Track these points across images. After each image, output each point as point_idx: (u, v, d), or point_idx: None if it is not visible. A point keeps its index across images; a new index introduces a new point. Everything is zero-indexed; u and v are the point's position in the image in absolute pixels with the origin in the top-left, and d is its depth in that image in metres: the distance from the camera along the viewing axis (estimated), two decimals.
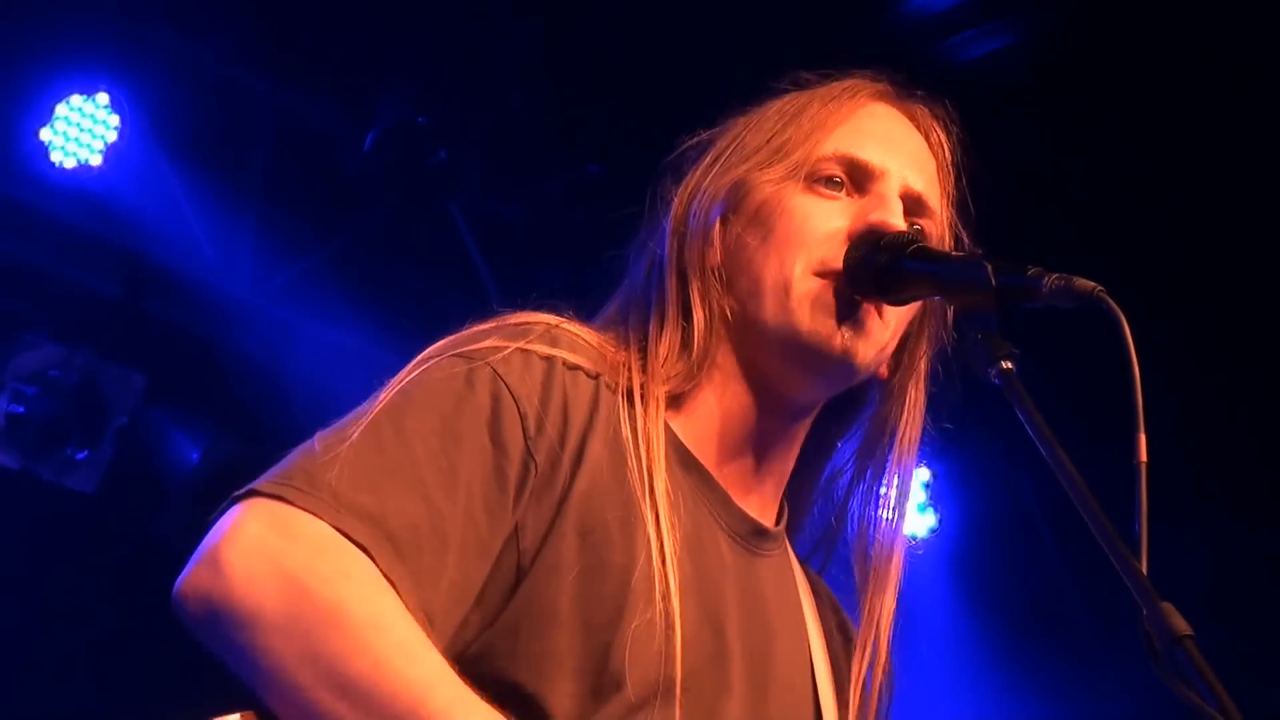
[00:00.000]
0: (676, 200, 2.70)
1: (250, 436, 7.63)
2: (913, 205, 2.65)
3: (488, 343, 2.44)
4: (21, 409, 7.12)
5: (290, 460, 2.30)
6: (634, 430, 2.46)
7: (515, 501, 2.36)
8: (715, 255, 2.63)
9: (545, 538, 2.36)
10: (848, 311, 2.54)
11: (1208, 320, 6.89)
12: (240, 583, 2.17)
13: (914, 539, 7.59)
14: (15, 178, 6.83)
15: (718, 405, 2.62)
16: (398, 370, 2.47)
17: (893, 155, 2.67)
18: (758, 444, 2.64)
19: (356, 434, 2.31)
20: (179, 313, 7.38)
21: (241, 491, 2.26)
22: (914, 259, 2.50)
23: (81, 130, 6.79)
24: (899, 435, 2.75)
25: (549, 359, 2.45)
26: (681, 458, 2.55)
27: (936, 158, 2.76)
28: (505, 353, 2.42)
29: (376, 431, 2.32)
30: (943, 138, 2.78)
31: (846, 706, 2.73)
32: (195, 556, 2.25)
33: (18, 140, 6.79)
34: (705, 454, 2.60)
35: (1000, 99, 6.48)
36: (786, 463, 2.71)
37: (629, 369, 2.54)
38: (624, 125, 6.48)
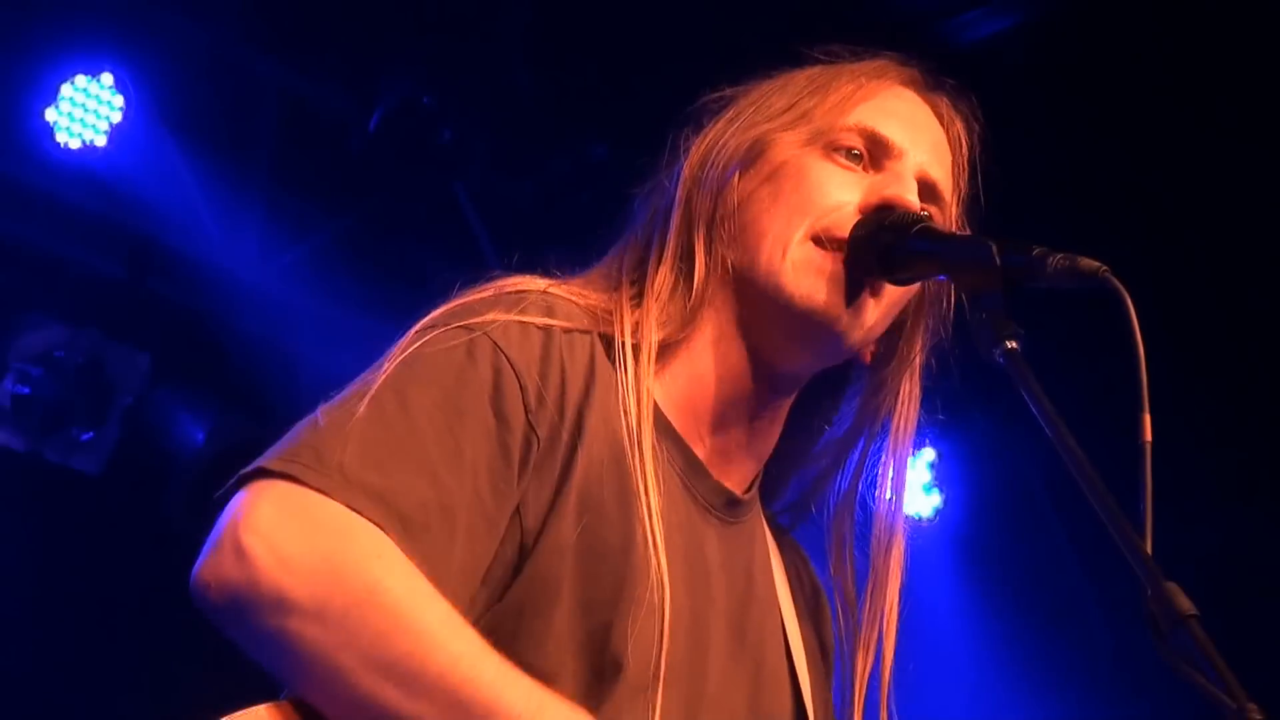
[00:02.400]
0: (694, 149, 2.69)
1: (256, 417, 7.63)
2: (926, 191, 2.65)
3: (487, 314, 2.42)
4: (27, 390, 7.12)
5: (295, 436, 2.28)
6: (624, 395, 2.45)
7: (519, 476, 2.35)
8: (726, 205, 2.62)
9: (546, 516, 2.36)
10: (842, 284, 2.54)
11: (1213, 299, 6.88)
12: (266, 568, 2.13)
13: (919, 518, 7.62)
14: (20, 158, 6.83)
15: (704, 366, 2.61)
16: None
17: (914, 138, 2.67)
18: (740, 415, 2.63)
19: (361, 408, 2.28)
20: (184, 293, 7.38)
21: (249, 470, 2.23)
22: (919, 237, 2.50)
23: (86, 111, 6.79)
24: (894, 428, 2.75)
25: (546, 328, 2.44)
26: (660, 425, 2.54)
27: (954, 152, 2.76)
28: (504, 323, 2.41)
29: (380, 406, 2.30)
30: (963, 133, 2.79)
31: (818, 669, 2.77)
32: (212, 541, 2.20)
33: (23, 120, 6.78)
34: (685, 423, 2.60)
35: (1003, 80, 6.47)
36: (768, 437, 2.70)
37: (620, 315, 2.54)
38: (629, 105, 6.46)
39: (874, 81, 2.72)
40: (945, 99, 2.80)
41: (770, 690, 2.65)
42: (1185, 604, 1.95)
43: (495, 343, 2.38)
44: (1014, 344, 2.27)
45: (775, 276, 2.55)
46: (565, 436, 2.39)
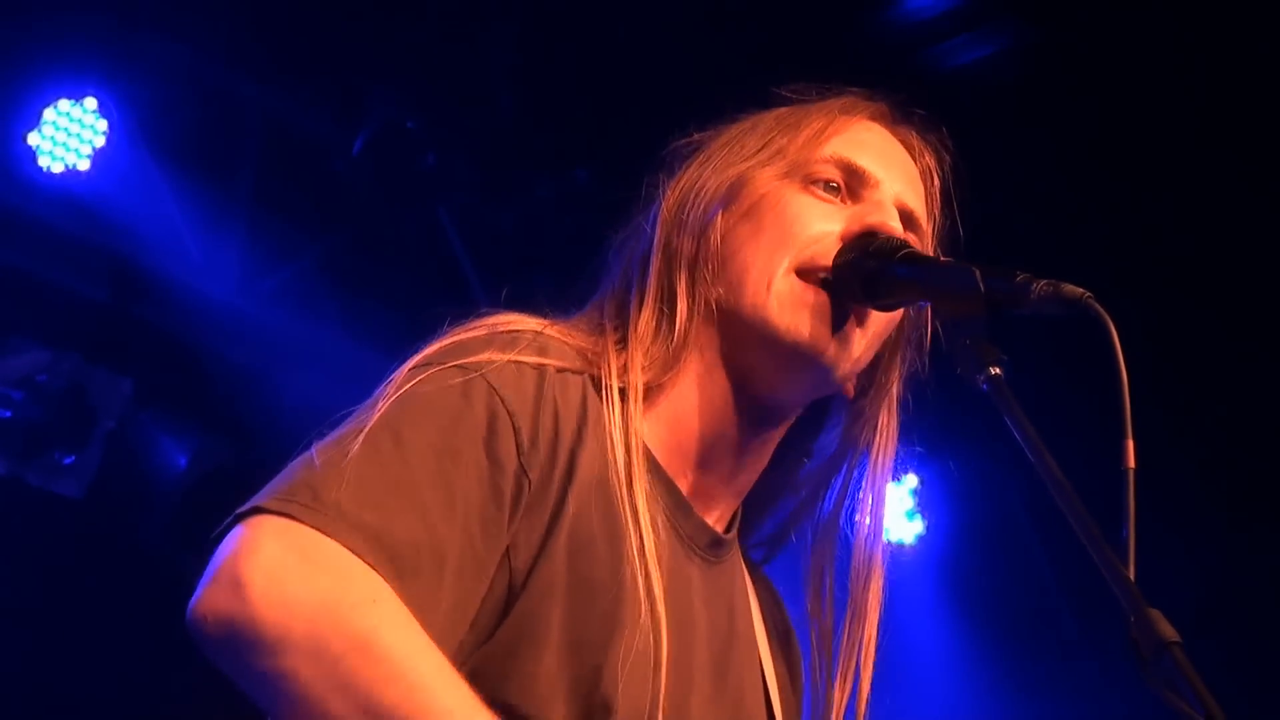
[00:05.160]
0: (669, 192, 2.69)
1: (238, 441, 7.62)
2: (905, 220, 2.66)
3: (482, 354, 2.41)
4: (9, 414, 7.11)
5: (291, 474, 2.28)
6: (614, 438, 2.45)
7: (510, 519, 2.34)
8: (708, 245, 2.62)
9: (536, 557, 2.35)
10: (828, 315, 2.55)
11: (1196, 326, 6.90)
12: (265, 606, 2.12)
13: (901, 544, 7.61)
14: (2, 182, 6.81)
15: (689, 404, 2.61)
16: (386, 375, 2.44)
17: (888, 169, 2.68)
18: (726, 452, 2.63)
19: (356, 447, 2.28)
20: (167, 317, 7.37)
21: (245, 508, 2.24)
22: (903, 263, 2.50)
23: (69, 135, 6.78)
24: (873, 459, 2.75)
25: (540, 369, 2.43)
26: (648, 465, 2.53)
27: (926, 183, 2.76)
28: (499, 364, 2.40)
29: (376, 445, 2.29)
30: (933, 165, 2.80)
31: (790, 708, 2.79)
32: (209, 576, 2.19)
33: (5, 144, 6.77)
34: (673, 461, 2.60)
35: (988, 105, 6.49)
36: (752, 474, 2.71)
37: (607, 358, 2.53)
38: (613, 130, 6.48)
39: (844, 116, 2.73)
40: (914, 132, 2.81)
41: None
42: (1168, 630, 1.95)
43: (490, 384, 2.38)
44: (997, 370, 2.27)
45: (761, 311, 2.56)
46: (557, 478, 2.38)
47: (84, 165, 6.81)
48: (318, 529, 2.18)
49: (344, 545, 2.18)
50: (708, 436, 2.61)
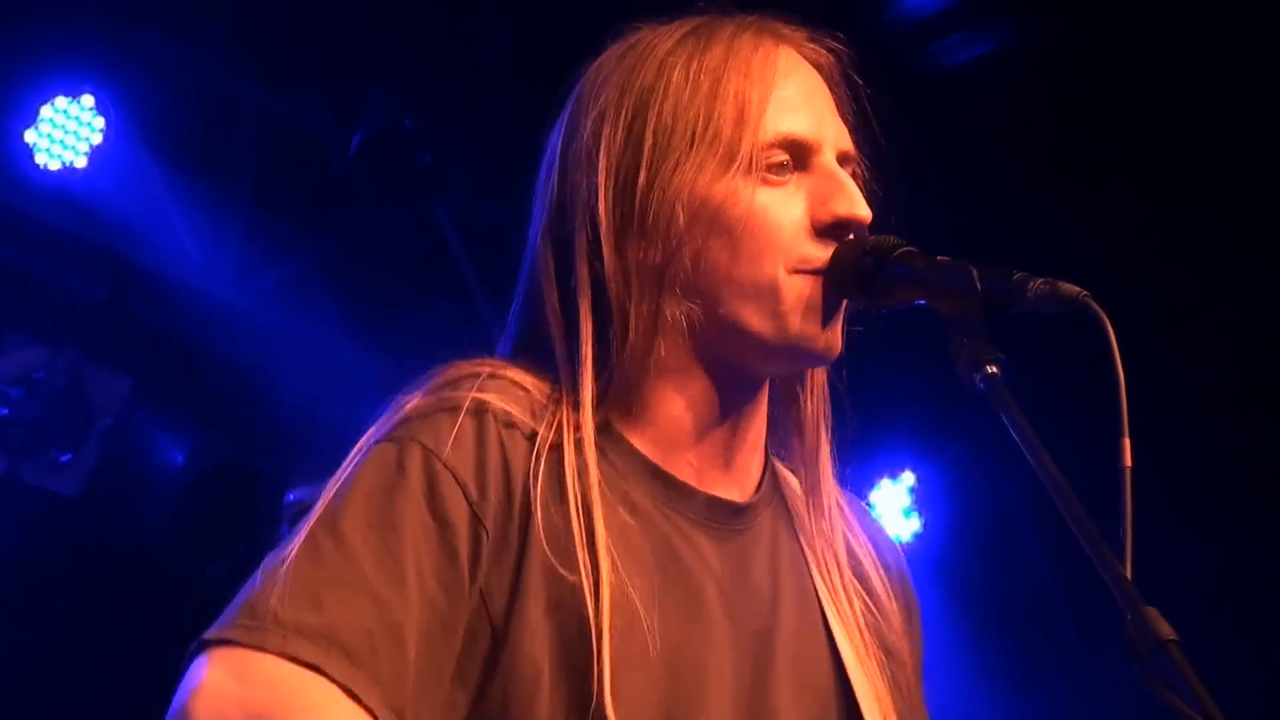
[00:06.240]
0: (601, 205, 2.56)
1: (236, 439, 7.63)
2: (844, 160, 2.60)
3: (415, 419, 2.40)
4: (5, 411, 7.10)
5: (236, 599, 2.29)
6: (568, 481, 2.42)
7: (472, 572, 2.34)
8: (679, 266, 2.53)
9: (512, 601, 2.35)
10: (831, 310, 2.53)
11: (1194, 324, 6.90)
12: None
13: (899, 542, 7.62)
14: None
15: (672, 404, 2.57)
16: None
17: (819, 119, 2.59)
18: (727, 423, 2.60)
19: (293, 552, 2.29)
20: (164, 315, 7.37)
21: (194, 645, 2.27)
22: (901, 262, 2.49)
23: (66, 132, 6.78)
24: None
25: (480, 417, 2.41)
26: (644, 469, 2.53)
27: (835, 93, 2.67)
28: (432, 424, 2.39)
29: (313, 543, 2.30)
30: (834, 69, 2.70)
31: (883, 645, 2.71)
32: (167, 717, 2.26)
33: (2, 142, 6.77)
34: (673, 452, 2.57)
35: (986, 103, 6.49)
36: (760, 425, 2.66)
37: (561, 405, 2.49)
38: None
39: (758, 64, 2.58)
40: (811, 44, 2.70)
41: (811, 692, 2.58)
42: (1165, 628, 1.95)
43: (424, 446, 2.37)
44: (994, 369, 2.27)
45: (775, 320, 2.51)
46: (516, 520, 2.37)
47: (81, 163, 6.81)
48: (255, 647, 2.20)
49: (282, 657, 2.20)
50: (701, 421, 2.58)
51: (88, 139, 6.81)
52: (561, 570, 2.36)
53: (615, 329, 2.52)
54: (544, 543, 2.37)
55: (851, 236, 2.54)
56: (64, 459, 7.29)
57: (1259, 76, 6.30)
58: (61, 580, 7.48)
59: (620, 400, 2.54)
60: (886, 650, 2.71)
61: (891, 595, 2.78)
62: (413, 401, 2.44)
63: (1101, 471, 2.14)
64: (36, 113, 6.76)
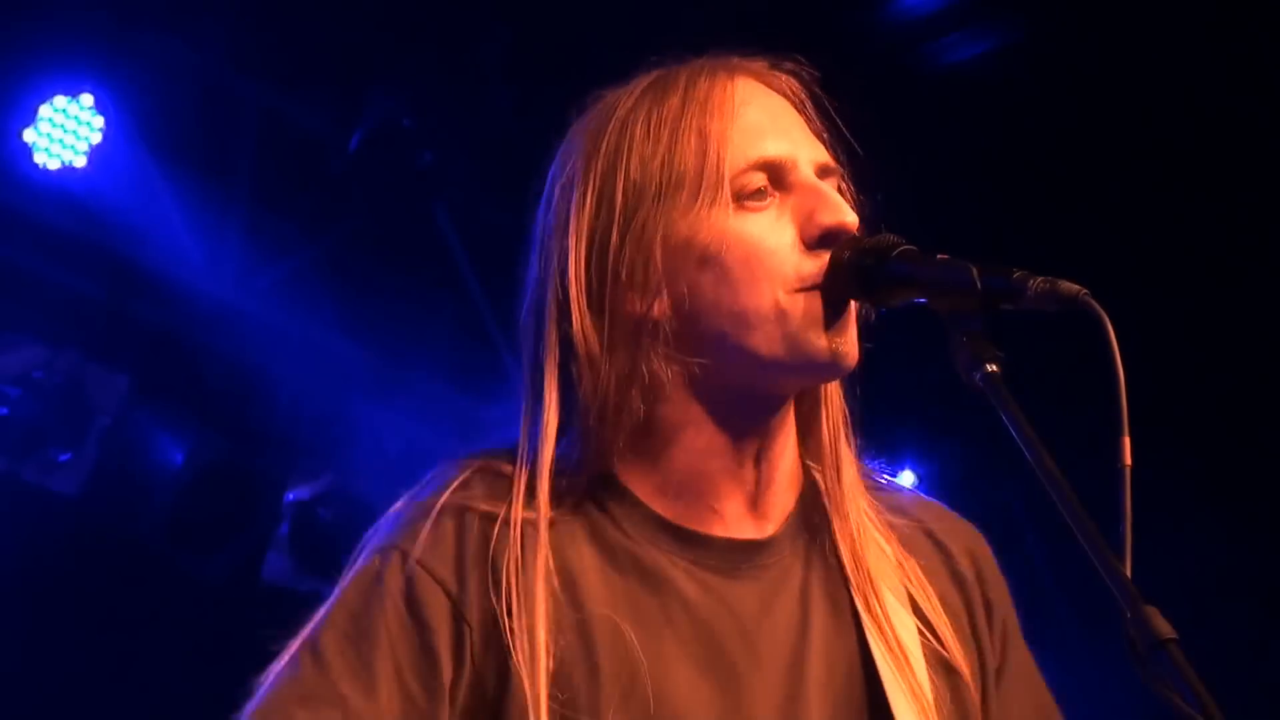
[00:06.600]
0: (570, 263, 2.55)
1: (235, 438, 7.62)
2: (824, 173, 2.58)
3: (396, 528, 2.49)
4: (4, 410, 7.10)
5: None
6: (504, 572, 2.45)
7: (457, 668, 2.41)
8: (679, 316, 2.51)
9: (500, 684, 2.41)
10: (839, 317, 2.50)
11: (1194, 323, 6.91)
12: None
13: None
14: None
15: (687, 453, 2.55)
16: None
17: (789, 137, 2.57)
18: (746, 465, 2.57)
19: (275, 672, 2.44)
20: (163, 314, 7.37)
21: None
22: (900, 261, 2.48)
23: (66, 131, 6.77)
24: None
25: (459, 514, 2.48)
26: (651, 523, 2.53)
27: (800, 110, 2.65)
28: (412, 530, 2.47)
29: (294, 663, 2.43)
30: (794, 86, 2.67)
31: (946, 651, 2.63)
32: None
33: (1, 141, 6.76)
34: (688, 501, 2.55)
35: (983, 102, 6.49)
36: (787, 457, 2.62)
37: (521, 495, 2.51)
38: None
39: (717, 95, 2.57)
40: (773, 72, 2.68)
41: (845, 715, 2.55)
42: (1164, 627, 1.95)
43: (404, 552, 2.45)
44: (994, 367, 2.27)
45: (785, 341, 2.48)
46: (504, 610, 2.43)
47: (80, 162, 6.81)
48: None
49: None
50: (711, 471, 2.56)
51: (87, 138, 6.80)
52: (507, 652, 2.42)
53: (585, 387, 2.51)
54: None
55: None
56: (63, 458, 7.29)
57: (1259, 75, 6.30)
58: (60, 579, 7.48)
59: (621, 455, 2.53)
60: (941, 664, 2.64)
61: (957, 603, 2.71)
62: (397, 507, 2.54)
63: (1101, 470, 2.14)
64: (35, 112, 6.75)
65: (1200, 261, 6.78)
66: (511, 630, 2.40)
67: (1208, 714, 1.87)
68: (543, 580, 2.44)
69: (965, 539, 2.77)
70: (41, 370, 7.18)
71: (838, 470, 2.65)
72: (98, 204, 6.97)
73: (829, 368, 2.52)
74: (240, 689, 2.47)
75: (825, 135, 2.65)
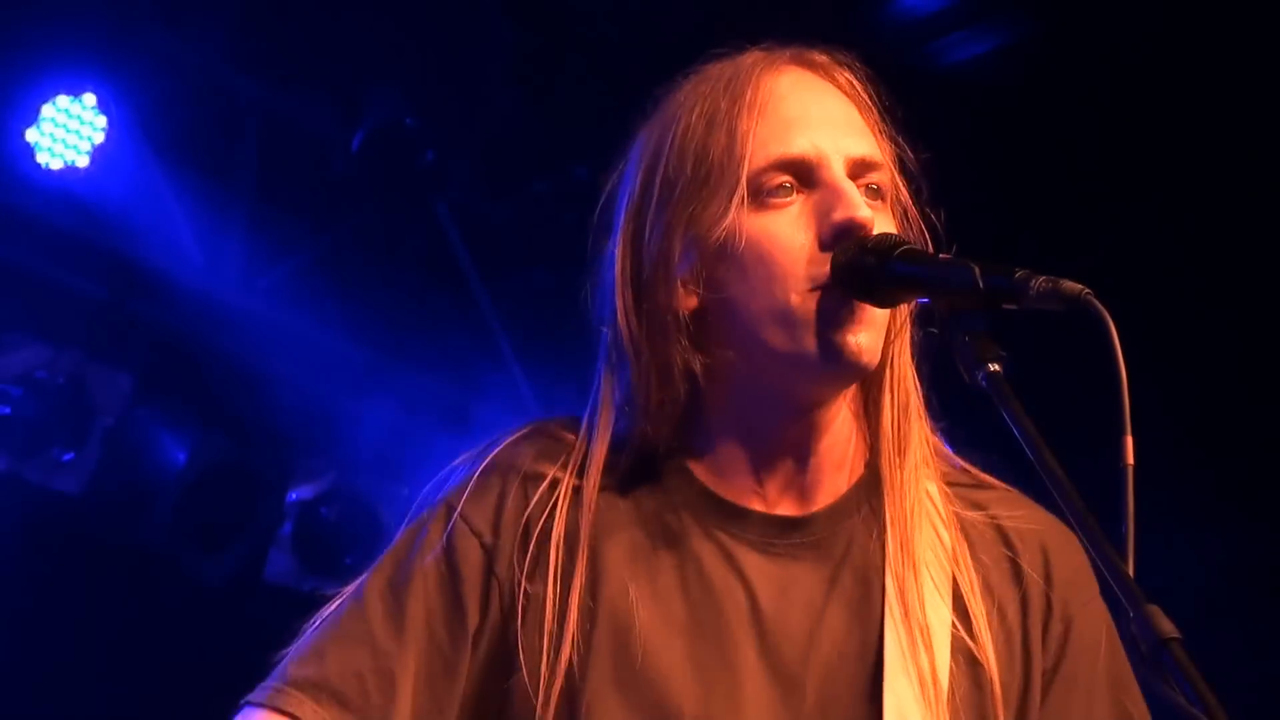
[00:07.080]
0: (618, 263, 2.64)
1: (238, 437, 7.63)
2: (860, 169, 2.57)
3: (448, 482, 2.65)
4: (7, 410, 7.10)
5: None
6: (554, 530, 2.57)
7: (483, 616, 2.54)
8: (706, 312, 2.58)
9: (517, 630, 2.53)
10: (848, 313, 2.49)
11: (1196, 322, 6.90)
12: None
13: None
14: (1, 179, 6.81)
15: (733, 435, 2.61)
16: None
17: (821, 132, 2.57)
18: (790, 450, 2.61)
19: (327, 613, 2.61)
20: (166, 314, 7.37)
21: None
22: (902, 261, 2.47)
23: (68, 131, 6.77)
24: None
25: (506, 473, 2.61)
26: (699, 495, 2.60)
27: (855, 101, 2.66)
28: (460, 484, 2.62)
29: (339, 608, 2.60)
30: (850, 78, 2.68)
31: (974, 641, 2.59)
32: None
33: (3, 141, 6.75)
34: (734, 478, 2.61)
35: (986, 102, 6.49)
36: (838, 442, 2.64)
37: (581, 453, 2.63)
38: (611, 126, 6.48)
39: (752, 91, 2.59)
40: (816, 55, 2.70)
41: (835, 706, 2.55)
42: (1167, 626, 1.95)
43: (450, 504, 2.60)
44: (996, 366, 2.27)
45: (796, 341, 2.50)
46: (531, 561, 2.56)
47: (83, 162, 6.80)
48: (269, 706, 2.51)
49: (273, 709, 2.50)
50: (756, 454, 2.61)
51: (89, 138, 6.80)
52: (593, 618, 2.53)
53: (630, 372, 2.60)
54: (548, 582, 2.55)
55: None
56: (66, 458, 7.29)
57: (1260, 74, 6.29)
58: (63, 579, 7.49)
59: (675, 433, 2.61)
60: (967, 655, 2.60)
61: (1011, 600, 2.66)
62: (455, 463, 2.68)
63: (1103, 469, 2.14)
64: (38, 112, 6.75)
65: (1203, 261, 6.78)
66: (529, 587, 2.53)
67: (1211, 713, 1.88)
68: (569, 542, 2.55)
69: (1043, 539, 2.71)
70: (44, 370, 7.19)
71: (900, 454, 2.66)
72: (100, 203, 6.97)
73: (843, 367, 2.52)
74: (243, 688, 2.50)
75: (882, 128, 2.68)
